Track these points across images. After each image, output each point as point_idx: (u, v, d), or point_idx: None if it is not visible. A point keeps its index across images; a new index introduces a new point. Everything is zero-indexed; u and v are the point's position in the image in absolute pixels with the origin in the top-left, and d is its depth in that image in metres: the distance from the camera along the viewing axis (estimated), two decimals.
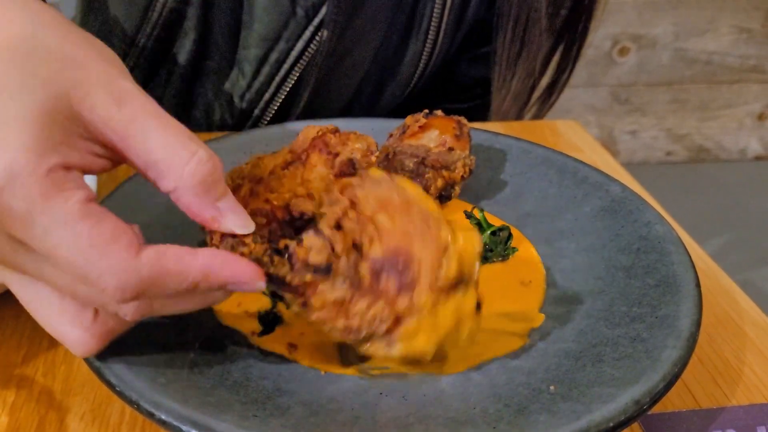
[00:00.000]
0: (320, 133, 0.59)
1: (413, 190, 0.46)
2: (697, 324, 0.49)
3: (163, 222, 0.62)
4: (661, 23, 2.06)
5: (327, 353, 0.51)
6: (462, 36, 0.95)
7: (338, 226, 0.44)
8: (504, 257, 0.62)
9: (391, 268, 0.43)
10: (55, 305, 0.41)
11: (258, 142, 0.74)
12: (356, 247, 0.43)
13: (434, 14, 0.88)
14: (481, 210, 0.65)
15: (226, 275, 0.41)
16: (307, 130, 0.60)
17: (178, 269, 0.39)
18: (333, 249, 0.43)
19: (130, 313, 0.40)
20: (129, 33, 0.85)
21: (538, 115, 0.98)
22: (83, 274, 0.37)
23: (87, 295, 0.39)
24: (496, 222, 0.65)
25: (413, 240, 0.43)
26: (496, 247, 0.62)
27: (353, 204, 0.44)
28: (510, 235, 0.64)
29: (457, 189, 0.68)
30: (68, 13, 0.91)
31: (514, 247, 0.63)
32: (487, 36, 0.94)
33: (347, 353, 0.51)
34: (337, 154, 0.58)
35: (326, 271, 0.43)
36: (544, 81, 0.94)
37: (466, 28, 0.93)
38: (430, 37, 0.90)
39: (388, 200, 0.44)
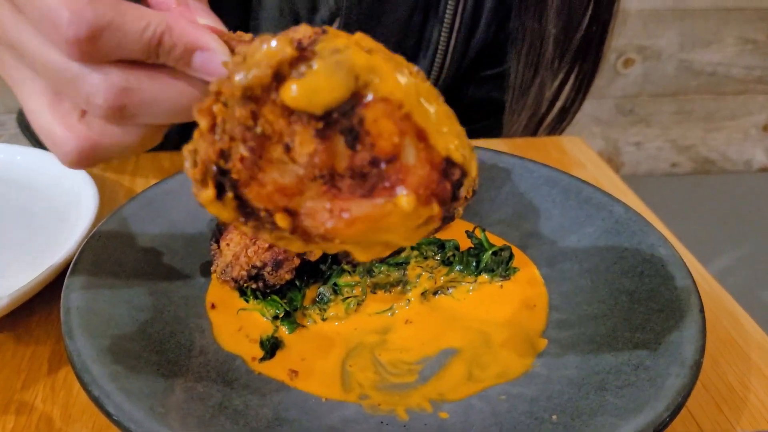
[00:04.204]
0: None
1: None
2: (701, 351, 0.48)
3: (165, 244, 0.62)
4: (666, 34, 2.05)
5: (328, 379, 0.51)
6: (470, 59, 0.94)
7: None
8: (505, 277, 0.62)
9: None
10: (46, 100, 0.42)
11: None
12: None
13: (441, 39, 0.89)
14: (483, 230, 0.64)
15: (193, 34, 0.40)
16: None
17: (137, 12, 0.39)
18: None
19: (101, 90, 0.39)
20: None
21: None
22: (44, 19, 0.38)
23: (57, 64, 0.39)
24: (498, 242, 0.65)
25: None
26: (498, 267, 0.62)
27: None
28: (511, 255, 0.63)
29: (460, 210, 0.68)
30: None
31: (515, 267, 0.63)
32: (495, 58, 0.94)
33: None
34: None
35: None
36: (557, 105, 0.94)
37: (474, 51, 0.93)
38: (437, 61, 0.90)
39: None
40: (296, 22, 0.82)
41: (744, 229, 1.98)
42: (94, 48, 0.38)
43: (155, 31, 0.39)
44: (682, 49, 2.09)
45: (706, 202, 2.11)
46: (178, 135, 0.92)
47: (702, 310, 0.52)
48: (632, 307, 0.55)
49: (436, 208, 0.38)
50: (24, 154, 0.77)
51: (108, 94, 0.39)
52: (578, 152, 0.92)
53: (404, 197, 0.36)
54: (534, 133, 0.96)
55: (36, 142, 1.14)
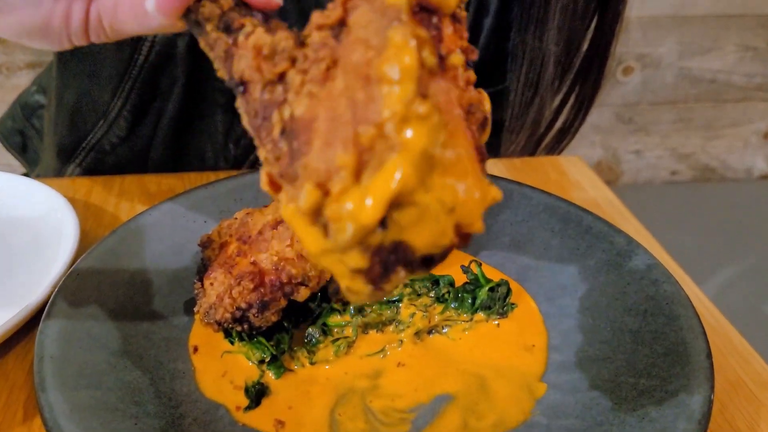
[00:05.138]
0: None
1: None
2: (710, 402, 0.46)
3: (147, 280, 0.59)
4: (666, 42, 2.02)
5: (316, 430, 0.48)
6: None
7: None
8: (503, 314, 0.59)
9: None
10: None
11: (249, 188, 0.71)
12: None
13: None
14: (479, 264, 0.62)
15: None
16: None
17: None
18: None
19: None
20: (116, 75, 0.82)
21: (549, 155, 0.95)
22: None
23: None
24: (495, 275, 0.62)
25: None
26: (495, 303, 0.59)
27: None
28: (509, 291, 0.60)
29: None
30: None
31: (513, 303, 0.60)
32: (494, 77, 0.91)
33: None
34: None
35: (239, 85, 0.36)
36: (556, 125, 0.92)
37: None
38: None
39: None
40: None
41: (745, 237, 1.95)
42: None
43: None
44: (681, 57, 2.06)
45: (706, 210, 2.08)
46: (160, 160, 0.89)
47: (710, 355, 0.49)
48: (636, 349, 0.53)
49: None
50: (3, 180, 0.75)
51: None
52: (577, 173, 0.89)
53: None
54: (533, 152, 0.94)
55: (18, 155, 1.11)
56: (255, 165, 0.89)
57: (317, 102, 0.31)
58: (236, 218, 0.60)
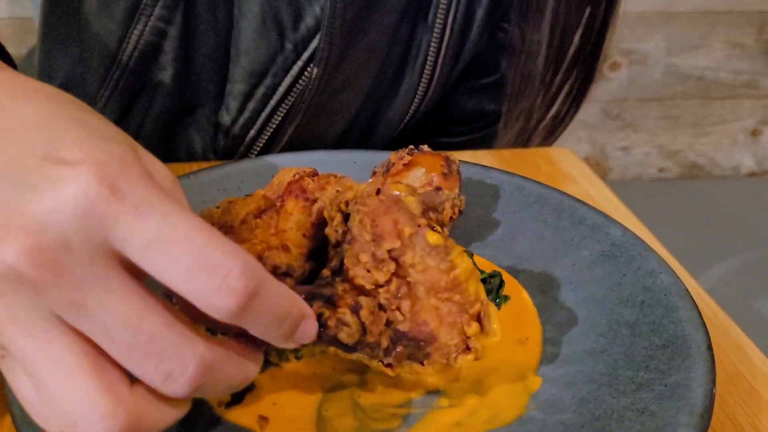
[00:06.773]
0: (297, 176, 0.54)
1: (463, 266, 0.46)
2: (712, 396, 0.44)
3: None
4: (653, 38, 2.02)
5: (302, 427, 0.46)
6: (460, 69, 0.90)
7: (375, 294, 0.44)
8: (495, 307, 0.57)
9: (410, 342, 0.44)
10: (86, 368, 0.32)
11: (232, 177, 0.69)
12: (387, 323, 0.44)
13: (431, 48, 0.84)
14: (471, 254, 0.60)
15: (306, 308, 0.39)
16: (282, 173, 0.55)
17: (280, 286, 0.36)
18: (365, 329, 0.43)
19: (192, 365, 0.33)
20: (103, 63, 0.79)
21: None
22: (206, 254, 0.32)
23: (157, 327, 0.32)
24: (487, 267, 0.61)
25: (441, 326, 0.45)
26: (487, 295, 0.58)
27: (397, 270, 0.44)
28: (502, 283, 0.59)
29: (446, 231, 0.63)
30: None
31: (505, 296, 0.58)
32: (487, 67, 0.90)
33: None
34: (314, 201, 0.53)
35: (351, 349, 0.43)
36: (547, 117, 0.90)
37: (464, 61, 0.89)
38: (426, 71, 0.85)
39: (434, 281, 0.44)
40: (280, 31, 0.77)
41: (733, 234, 1.95)
42: (249, 309, 0.33)
43: (291, 303, 0.37)
44: (669, 53, 2.06)
45: (694, 208, 2.08)
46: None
47: (710, 347, 0.48)
48: (633, 342, 0.51)
49: None
50: None
51: (195, 371, 0.33)
52: (569, 165, 0.88)
53: None
54: (524, 145, 0.92)
55: None
56: (246, 156, 0.87)
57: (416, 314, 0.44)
58: (218, 207, 0.58)
